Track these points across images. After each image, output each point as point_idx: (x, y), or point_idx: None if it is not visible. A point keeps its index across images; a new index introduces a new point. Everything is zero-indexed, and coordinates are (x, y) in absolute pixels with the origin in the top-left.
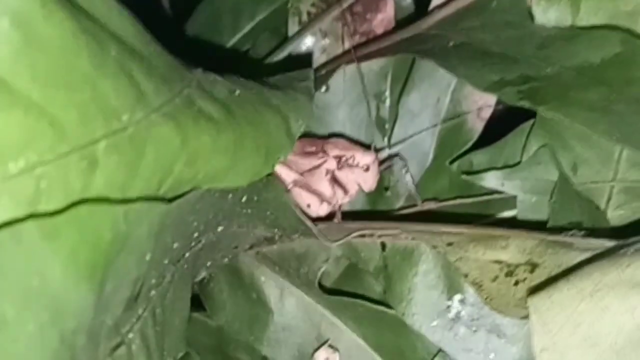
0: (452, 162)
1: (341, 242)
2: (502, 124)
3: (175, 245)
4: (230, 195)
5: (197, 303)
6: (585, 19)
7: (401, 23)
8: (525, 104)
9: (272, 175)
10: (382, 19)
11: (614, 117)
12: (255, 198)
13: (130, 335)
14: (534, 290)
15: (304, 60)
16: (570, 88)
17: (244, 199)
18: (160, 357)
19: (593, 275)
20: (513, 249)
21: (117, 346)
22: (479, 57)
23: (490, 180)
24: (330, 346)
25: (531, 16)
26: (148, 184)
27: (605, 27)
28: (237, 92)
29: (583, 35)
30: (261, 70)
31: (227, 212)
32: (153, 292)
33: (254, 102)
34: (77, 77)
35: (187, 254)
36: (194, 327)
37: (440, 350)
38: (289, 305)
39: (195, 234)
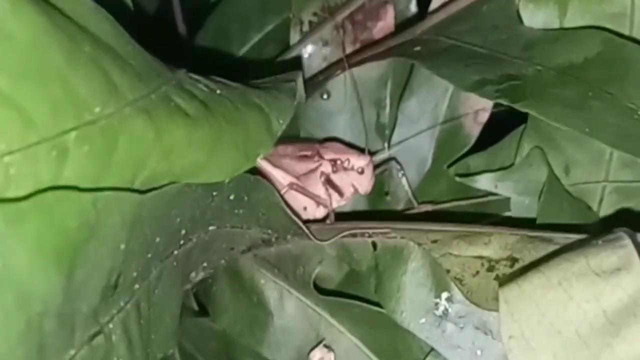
0: (449, 166)
1: (331, 241)
2: (499, 128)
3: (158, 239)
4: (214, 193)
5: (203, 308)
6: (572, 21)
7: (400, 28)
8: (503, 101)
9: (259, 175)
10: (383, 26)
11: (586, 112)
12: (245, 198)
13: (110, 326)
14: (506, 281)
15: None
16: (549, 86)
17: (231, 197)
18: (144, 350)
19: (561, 265)
20: (495, 245)
21: (95, 335)
22: (465, 58)
23: (484, 182)
24: (326, 346)
25: (520, 19)
26: (121, 175)
27: (590, 27)
28: (219, 91)
29: (567, 36)
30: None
31: (216, 211)
32: (137, 286)
33: (235, 100)
34: (48, 70)
35: (176, 252)
36: (200, 332)
37: (432, 349)
38: (288, 307)
39: (183, 231)
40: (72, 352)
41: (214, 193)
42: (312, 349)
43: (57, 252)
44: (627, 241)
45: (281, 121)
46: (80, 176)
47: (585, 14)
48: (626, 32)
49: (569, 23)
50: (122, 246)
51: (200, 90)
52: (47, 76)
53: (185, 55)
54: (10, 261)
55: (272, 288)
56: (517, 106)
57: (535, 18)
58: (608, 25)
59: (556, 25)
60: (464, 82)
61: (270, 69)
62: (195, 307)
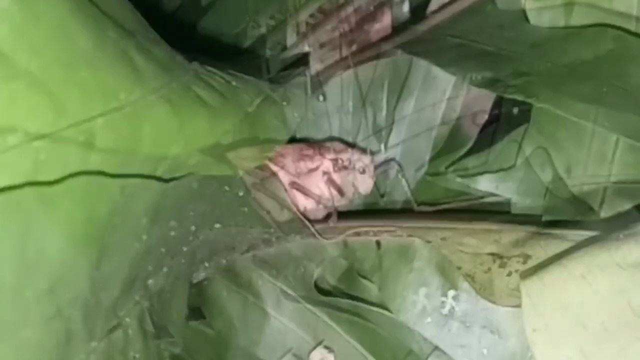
0: (447, 168)
1: (337, 239)
2: (497, 130)
3: (172, 233)
4: (227, 187)
5: (194, 311)
6: (579, 19)
7: (396, 30)
8: (517, 96)
9: (267, 171)
10: (379, 29)
11: (604, 108)
12: (253, 195)
13: (128, 320)
14: (527, 274)
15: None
16: (562, 82)
17: (240, 194)
18: (157, 347)
19: (584, 258)
20: (506, 241)
21: (114, 328)
22: (473, 56)
23: (484, 183)
24: (326, 347)
25: (526, 18)
26: (145, 163)
27: (598, 25)
28: (234, 83)
29: (576, 34)
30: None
31: (225, 208)
32: (151, 281)
33: (251, 93)
34: (76, 54)
35: (185, 249)
36: (193, 335)
37: (434, 349)
38: (285, 308)
39: (193, 227)
40: (94, 344)
41: (226, 188)
42: (312, 349)
43: (88, 238)
44: None
45: (296, 114)
46: (105, 163)
47: (591, 12)
48: (632, 30)
49: (575, 21)
50: (144, 237)
51: (217, 82)
52: (76, 60)
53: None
54: (43, 245)
55: (269, 289)
56: (532, 101)
57: (541, 17)
58: (614, 24)
59: (562, 24)
60: (476, 79)
61: (272, 67)
62: (187, 310)
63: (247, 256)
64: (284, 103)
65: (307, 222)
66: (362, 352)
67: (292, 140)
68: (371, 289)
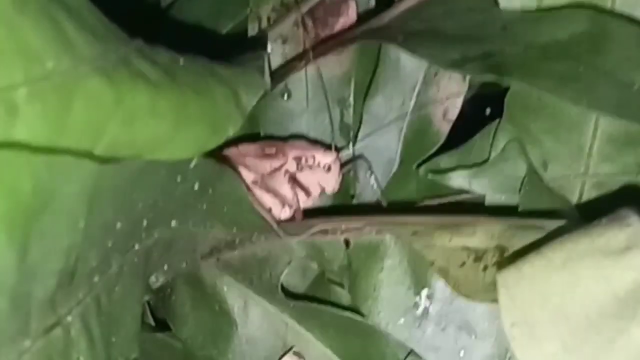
0: (418, 166)
1: (303, 236)
2: (469, 127)
3: (119, 225)
4: (179, 178)
5: (160, 324)
6: (551, 1)
7: (362, 20)
8: (489, 77)
9: (226, 165)
10: (345, 23)
11: (582, 85)
12: (210, 190)
13: (69, 319)
14: (503, 265)
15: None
16: (536, 62)
17: (196, 187)
18: (105, 350)
19: (565, 246)
20: (481, 235)
21: (53, 326)
22: (442, 38)
23: (457, 179)
24: (295, 353)
25: (496, 1)
26: (79, 140)
27: (572, 6)
28: (182, 61)
29: (549, 16)
30: None
31: (180, 203)
32: (96, 278)
33: (200, 72)
34: None
35: (137, 246)
36: (158, 349)
37: (409, 354)
38: (253, 315)
39: (144, 222)
40: (28, 343)
41: (178, 178)
42: (282, 356)
43: (9, 218)
44: (635, 218)
45: (251, 96)
46: (32, 137)
47: None
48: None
49: (547, 4)
50: (81, 223)
51: (162, 58)
52: None
53: None
54: None
55: (235, 295)
56: (505, 80)
57: (512, 0)
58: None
59: (534, 7)
60: (444, 60)
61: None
62: (152, 322)
63: (210, 260)
64: (237, 84)
65: (270, 219)
66: (333, 359)
67: (255, 138)
68: (342, 293)
